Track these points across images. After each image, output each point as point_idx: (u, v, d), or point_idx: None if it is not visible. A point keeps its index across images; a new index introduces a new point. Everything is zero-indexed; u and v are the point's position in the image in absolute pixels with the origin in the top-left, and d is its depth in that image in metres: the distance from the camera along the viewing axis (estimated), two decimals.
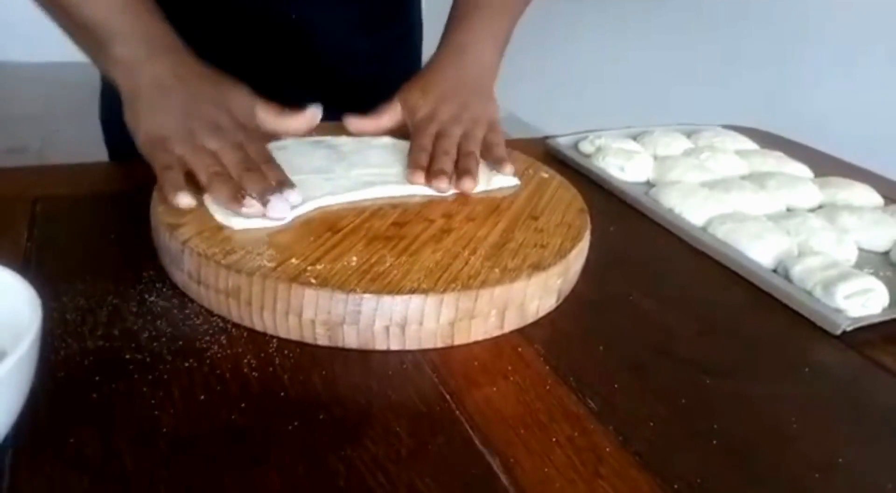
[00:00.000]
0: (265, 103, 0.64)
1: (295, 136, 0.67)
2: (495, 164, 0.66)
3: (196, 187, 0.56)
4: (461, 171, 0.63)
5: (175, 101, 0.60)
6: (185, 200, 0.55)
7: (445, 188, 0.62)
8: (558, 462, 0.41)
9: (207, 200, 0.56)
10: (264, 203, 0.54)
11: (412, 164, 0.63)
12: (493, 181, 0.66)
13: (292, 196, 0.56)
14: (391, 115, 0.71)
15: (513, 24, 0.79)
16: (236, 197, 0.54)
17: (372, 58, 0.85)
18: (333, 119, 0.68)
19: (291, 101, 0.69)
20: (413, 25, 0.95)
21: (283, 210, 0.55)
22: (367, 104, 0.72)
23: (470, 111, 0.70)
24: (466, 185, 0.62)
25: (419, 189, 0.62)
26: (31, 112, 3.16)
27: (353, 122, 0.70)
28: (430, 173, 0.62)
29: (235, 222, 0.54)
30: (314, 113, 0.65)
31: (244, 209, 0.54)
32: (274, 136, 0.66)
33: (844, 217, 0.72)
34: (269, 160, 0.59)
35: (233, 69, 0.66)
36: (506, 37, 0.78)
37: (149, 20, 0.63)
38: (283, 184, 0.57)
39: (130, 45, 0.61)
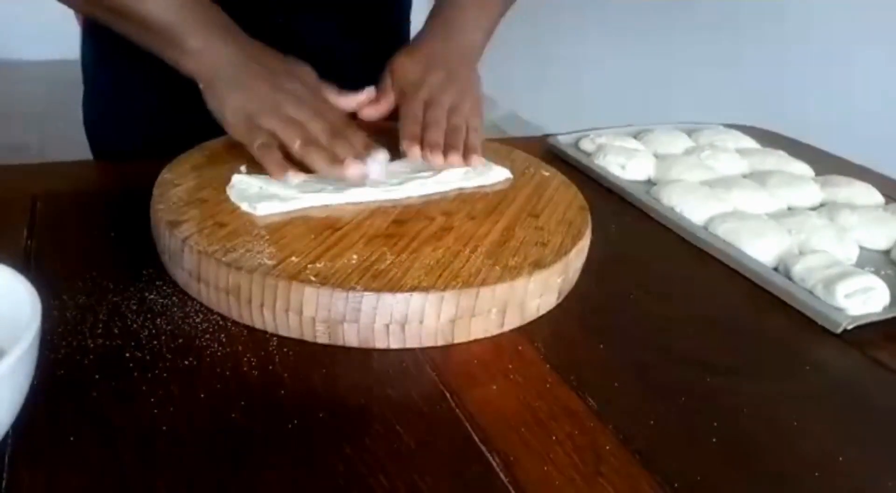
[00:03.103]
0: (325, 83, 0.67)
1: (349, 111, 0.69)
2: (467, 151, 0.66)
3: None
4: (448, 146, 0.64)
5: (254, 77, 0.62)
6: (294, 178, 0.58)
7: (441, 164, 0.63)
8: (558, 461, 0.41)
9: (230, 190, 0.58)
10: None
11: (407, 134, 0.65)
12: (488, 176, 0.66)
13: (381, 156, 0.60)
14: (366, 93, 0.71)
15: (502, 9, 0.81)
16: (334, 162, 0.58)
17: (358, 61, 0.85)
18: None
19: None
20: (400, 30, 0.96)
21: (379, 172, 0.59)
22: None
23: (457, 82, 0.71)
24: (453, 159, 0.63)
25: (419, 190, 0.62)
26: (31, 110, 3.15)
27: (329, 97, 0.69)
28: (425, 145, 0.64)
29: (261, 208, 0.55)
30: (368, 94, 0.69)
31: (348, 171, 0.57)
32: None
33: (845, 216, 0.72)
34: (351, 125, 0.62)
35: None
36: (493, 20, 0.79)
37: (208, 7, 0.65)
38: (369, 147, 0.60)
39: (201, 36, 0.63)
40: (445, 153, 0.64)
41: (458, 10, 0.77)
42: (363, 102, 0.69)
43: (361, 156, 0.59)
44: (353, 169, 0.58)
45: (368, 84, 0.72)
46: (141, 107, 0.83)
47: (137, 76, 0.80)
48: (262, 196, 0.57)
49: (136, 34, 0.65)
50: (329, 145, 0.59)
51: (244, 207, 0.56)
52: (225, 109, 0.62)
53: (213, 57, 0.63)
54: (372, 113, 0.71)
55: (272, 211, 0.56)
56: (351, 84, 0.73)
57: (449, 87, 0.70)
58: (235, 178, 0.59)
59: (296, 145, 0.59)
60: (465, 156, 0.65)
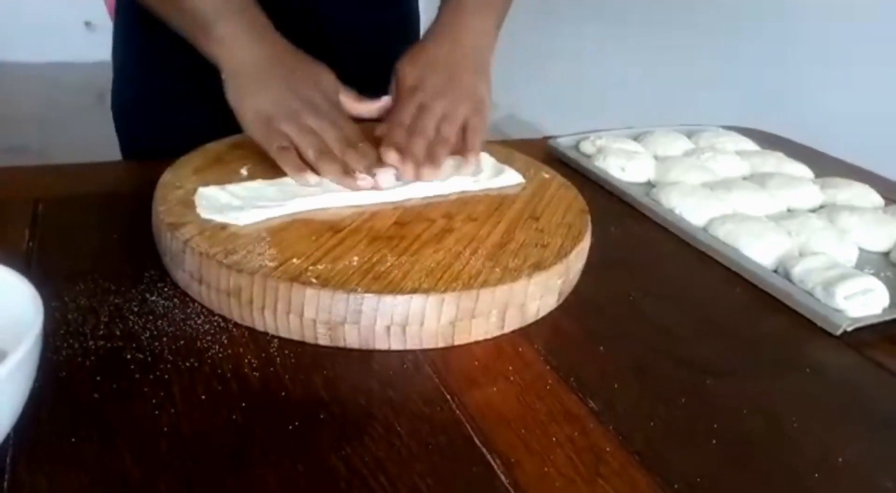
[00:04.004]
0: (345, 88, 0.68)
1: (368, 117, 0.69)
2: (465, 150, 0.65)
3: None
4: (427, 157, 0.62)
5: (276, 80, 0.64)
6: (312, 178, 0.59)
7: (411, 176, 0.61)
8: (558, 462, 0.41)
9: (201, 206, 0.56)
10: (372, 176, 0.60)
11: (386, 141, 0.63)
12: (498, 180, 0.66)
13: (391, 168, 0.61)
14: (385, 100, 0.70)
15: (506, 6, 0.79)
16: (348, 172, 0.60)
17: (372, 36, 0.85)
18: None
19: None
20: (412, 9, 0.96)
21: (390, 181, 0.61)
22: (368, 82, 0.72)
23: (457, 87, 0.69)
24: (425, 174, 0.61)
25: (418, 191, 0.62)
26: (32, 112, 3.16)
27: (348, 103, 0.69)
28: (404, 154, 0.62)
29: (242, 218, 0.54)
30: (386, 102, 0.69)
31: (359, 183, 0.59)
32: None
33: (845, 217, 0.72)
34: (362, 138, 0.63)
35: None
36: (501, 14, 0.79)
37: (245, 1, 0.67)
38: (378, 160, 0.61)
39: (231, 24, 0.64)
40: (422, 164, 0.61)
41: (464, 11, 0.76)
42: (381, 108, 0.69)
43: (371, 168, 0.60)
44: (364, 182, 0.59)
45: (381, 60, 0.72)
46: (170, 91, 0.84)
47: (166, 62, 0.81)
48: (231, 207, 0.55)
49: (170, 15, 0.67)
50: (341, 156, 0.61)
51: (218, 218, 0.54)
52: (244, 106, 0.63)
53: (238, 49, 0.64)
54: (361, 110, 0.69)
55: (255, 219, 0.54)
56: (364, 59, 0.73)
57: (447, 91, 0.68)
58: (201, 190, 0.57)
59: (310, 153, 0.60)
60: (464, 154, 0.64)
